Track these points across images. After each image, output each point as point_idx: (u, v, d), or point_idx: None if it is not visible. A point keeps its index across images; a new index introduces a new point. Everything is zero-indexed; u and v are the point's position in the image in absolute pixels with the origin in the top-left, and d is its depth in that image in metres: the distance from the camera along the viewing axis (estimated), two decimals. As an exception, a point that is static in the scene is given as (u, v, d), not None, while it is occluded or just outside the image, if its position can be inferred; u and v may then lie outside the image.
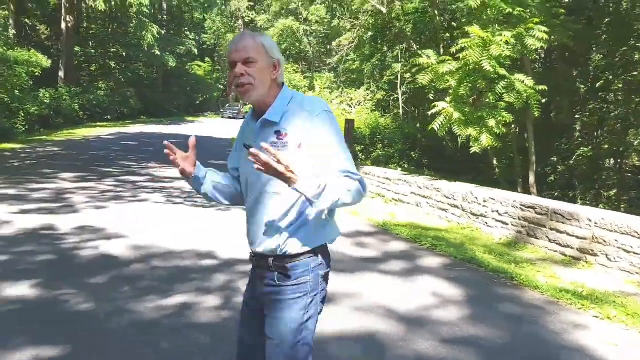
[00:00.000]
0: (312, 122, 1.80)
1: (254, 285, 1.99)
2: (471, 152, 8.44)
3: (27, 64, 20.39)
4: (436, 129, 8.38)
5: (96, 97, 30.96)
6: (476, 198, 7.69)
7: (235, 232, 6.34)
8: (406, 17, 17.77)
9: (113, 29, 35.80)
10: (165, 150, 1.93)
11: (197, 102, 43.45)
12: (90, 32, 36.13)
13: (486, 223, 7.44)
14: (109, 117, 31.72)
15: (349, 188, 1.75)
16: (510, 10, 7.93)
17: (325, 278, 1.94)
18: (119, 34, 35.64)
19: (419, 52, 13.87)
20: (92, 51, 35.29)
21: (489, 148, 8.83)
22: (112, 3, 25.60)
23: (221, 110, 42.44)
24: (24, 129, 19.33)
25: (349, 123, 13.74)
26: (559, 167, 11.07)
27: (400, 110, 24.90)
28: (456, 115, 8.12)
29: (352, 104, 24.68)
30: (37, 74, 19.89)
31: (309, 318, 1.87)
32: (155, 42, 30.31)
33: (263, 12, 49.50)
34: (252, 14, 47.58)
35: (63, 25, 30.31)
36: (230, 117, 40.68)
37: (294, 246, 1.84)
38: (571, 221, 5.96)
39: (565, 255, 5.99)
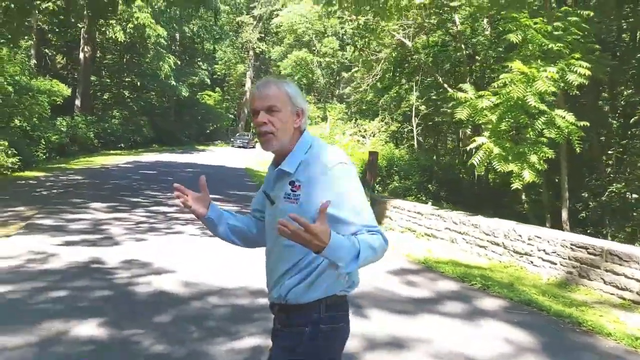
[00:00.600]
0: (327, 175, 1.73)
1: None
2: (512, 188, 8.36)
3: (49, 93, 20.62)
4: (475, 164, 8.34)
5: (110, 125, 31.22)
6: (520, 236, 7.57)
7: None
8: (425, 50, 17.94)
9: (127, 59, 36.29)
10: (175, 193, 1.94)
11: (208, 131, 43.74)
12: (104, 61, 36.63)
13: (532, 262, 7.30)
14: (122, 145, 31.90)
15: (373, 245, 1.67)
16: (552, 45, 7.96)
17: (334, 332, 1.83)
18: (133, 63, 36.12)
19: (444, 85, 13.97)
20: (107, 80, 35.71)
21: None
22: (130, 34, 25.91)
23: (231, 139, 42.70)
24: (44, 157, 19.41)
25: (372, 155, 13.72)
26: (591, 203, 10.96)
27: (415, 142, 24.98)
28: (496, 150, 8.08)
29: (366, 135, 24.76)
30: (58, 102, 20.10)
31: None
32: (171, 73, 30.66)
33: (273, 43, 50.30)
34: (263, 46, 48.36)
35: (81, 55, 30.74)
36: (240, 146, 40.88)
37: (296, 297, 1.78)
38: (629, 262, 5.82)
39: (624, 299, 5.83)
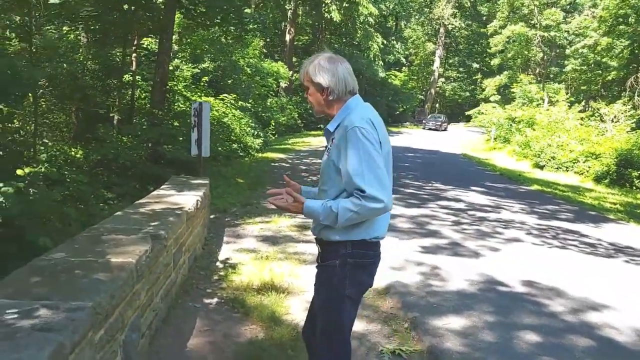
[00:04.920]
0: (344, 137, 2.03)
1: None
2: None
3: (275, 75, 21.12)
4: None
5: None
6: None
7: None
8: None
9: (323, 39, 36.56)
10: (271, 200, 2.20)
11: (397, 112, 42.63)
12: (297, 42, 37.34)
13: None
14: (321, 126, 32.31)
15: (350, 208, 1.99)
16: None
17: (359, 267, 2.15)
18: (327, 44, 36.32)
19: None
20: (303, 61, 36.44)
21: None
22: (343, 13, 25.62)
23: (423, 121, 41.11)
24: (274, 137, 19.95)
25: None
26: None
27: (671, 130, 21.04)
28: None
29: (605, 119, 21.39)
30: (284, 84, 20.58)
31: (341, 299, 2.15)
32: (379, 52, 29.99)
33: (464, 18, 47.28)
34: (456, 21, 45.66)
35: (287, 37, 31.62)
36: (431, 129, 39.13)
37: (326, 234, 2.15)
38: None
39: None
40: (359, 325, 3.72)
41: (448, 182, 12.37)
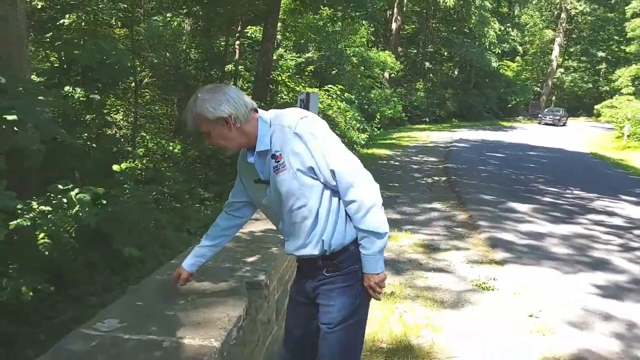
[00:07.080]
0: (296, 136, 1.78)
1: (301, 280, 2.01)
2: None
3: (382, 66, 19.83)
4: None
5: (417, 98, 30.03)
6: None
7: None
8: None
9: (429, 27, 34.46)
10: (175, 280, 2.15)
11: (509, 105, 39.46)
12: (402, 32, 35.52)
13: None
14: (427, 119, 30.52)
15: (367, 204, 1.78)
16: None
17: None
18: (433, 33, 34.23)
19: None
20: (413, 50, 34.69)
21: None
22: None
23: (539, 115, 37.59)
24: (378, 132, 18.68)
25: None
26: None
27: None
28: None
29: None
30: (392, 75, 19.31)
31: (360, 304, 1.91)
32: (495, 39, 27.44)
33: (590, 2, 42.68)
34: (580, 6, 41.25)
35: (393, 26, 30.16)
36: (548, 124, 35.58)
37: (337, 243, 1.86)
38: None
39: None
40: None
41: (589, 189, 10.40)
